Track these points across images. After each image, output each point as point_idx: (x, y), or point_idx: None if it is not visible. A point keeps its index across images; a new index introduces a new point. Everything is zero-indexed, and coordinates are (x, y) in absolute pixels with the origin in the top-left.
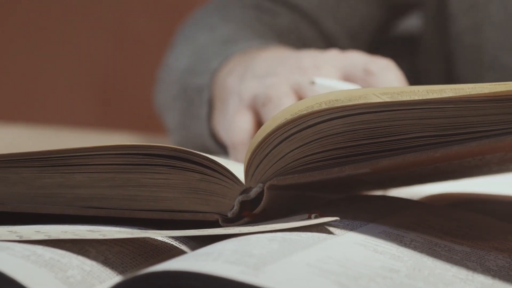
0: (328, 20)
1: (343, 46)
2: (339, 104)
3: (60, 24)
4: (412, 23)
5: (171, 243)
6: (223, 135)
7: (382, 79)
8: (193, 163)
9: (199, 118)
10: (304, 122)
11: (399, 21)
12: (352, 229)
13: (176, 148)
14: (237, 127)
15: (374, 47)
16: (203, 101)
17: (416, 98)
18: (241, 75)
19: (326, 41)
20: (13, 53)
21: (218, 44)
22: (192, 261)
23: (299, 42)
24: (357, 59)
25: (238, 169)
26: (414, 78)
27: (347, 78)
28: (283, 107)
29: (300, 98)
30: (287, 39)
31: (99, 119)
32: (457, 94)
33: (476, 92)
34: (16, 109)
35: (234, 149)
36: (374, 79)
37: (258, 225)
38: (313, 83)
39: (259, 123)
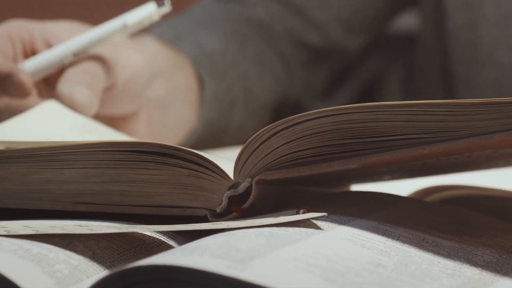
0: (317, 10)
1: (335, 35)
2: None
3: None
4: (408, 22)
5: (160, 238)
6: None
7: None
8: (181, 159)
9: None
10: (292, 119)
11: (397, 17)
12: (340, 224)
13: (165, 145)
14: None
15: (372, 46)
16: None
17: None
18: None
19: (317, 31)
20: None
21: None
22: (178, 256)
23: (284, 33)
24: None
25: (226, 165)
26: (411, 76)
27: None
28: None
29: None
30: (265, 31)
31: None
32: None
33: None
34: None
35: None
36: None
37: (246, 220)
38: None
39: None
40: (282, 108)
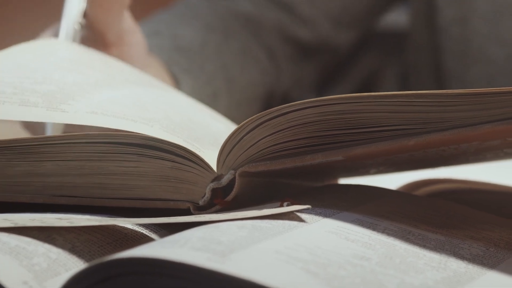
0: (304, 5)
1: (324, 31)
2: None
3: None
4: (399, 19)
5: (142, 231)
6: None
7: None
8: (164, 151)
9: None
10: (277, 109)
11: (386, 13)
12: (324, 217)
13: (147, 137)
14: None
15: (365, 44)
16: None
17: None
18: None
19: (305, 27)
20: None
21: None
22: (158, 248)
23: (271, 27)
24: None
25: (210, 156)
26: (403, 73)
27: None
28: None
29: None
30: (247, 24)
31: None
32: None
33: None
34: None
35: None
36: None
37: (229, 212)
38: None
39: None
40: (271, 101)
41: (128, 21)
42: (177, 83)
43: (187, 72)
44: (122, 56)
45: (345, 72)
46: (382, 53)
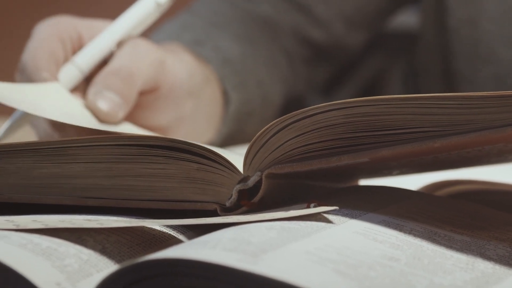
0: (320, 6)
1: (338, 32)
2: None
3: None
4: (409, 20)
5: (169, 232)
6: None
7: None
8: (190, 153)
9: None
10: (302, 112)
11: (397, 14)
12: (351, 218)
13: (174, 139)
14: None
15: (373, 44)
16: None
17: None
18: None
19: (320, 28)
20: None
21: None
22: (190, 249)
23: (288, 29)
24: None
25: (236, 158)
26: (412, 74)
27: None
28: None
29: None
30: (265, 26)
31: None
32: None
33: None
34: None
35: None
36: None
37: (256, 214)
38: None
39: None
40: (286, 106)
41: (160, 68)
42: (226, 101)
43: (236, 89)
44: (159, 99)
45: (351, 73)
46: (388, 53)
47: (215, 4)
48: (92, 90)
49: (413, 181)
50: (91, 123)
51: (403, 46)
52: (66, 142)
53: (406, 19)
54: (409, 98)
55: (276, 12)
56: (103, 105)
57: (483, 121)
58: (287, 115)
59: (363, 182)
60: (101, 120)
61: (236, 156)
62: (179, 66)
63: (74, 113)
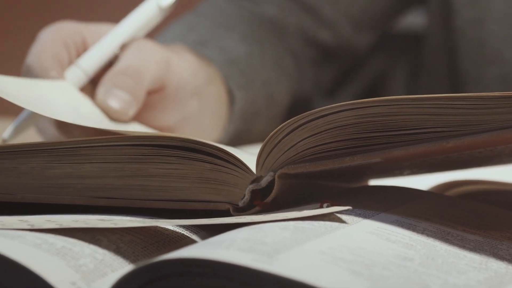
0: (327, 7)
1: (345, 33)
2: None
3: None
4: (415, 20)
5: (182, 232)
6: None
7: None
8: (203, 153)
9: None
10: (315, 112)
11: (402, 17)
12: (364, 218)
13: (187, 139)
14: None
15: (377, 44)
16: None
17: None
18: None
19: (327, 29)
20: (20, 51)
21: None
22: (204, 249)
23: (295, 30)
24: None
25: (248, 158)
26: (417, 74)
27: None
28: None
29: None
30: (270, 27)
31: None
32: None
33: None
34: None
35: None
36: None
37: (269, 214)
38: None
39: None
40: (293, 107)
41: (165, 68)
42: (232, 100)
43: (241, 89)
44: (165, 99)
45: (353, 74)
46: (391, 54)
47: (221, 5)
48: (101, 89)
49: (423, 181)
50: (102, 123)
51: (406, 47)
52: (78, 142)
53: (410, 20)
54: (421, 98)
55: (282, 13)
56: (114, 103)
57: (494, 121)
58: (299, 115)
59: (374, 182)
60: (112, 118)
61: (248, 156)
62: (183, 65)
63: (84, 112)
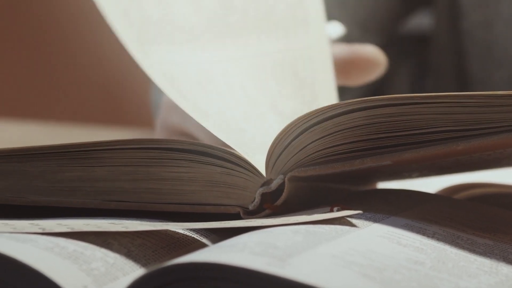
0: (335, 10)
1: (354, 37)
2: None
3: (68, 21)
4: (422, 22)
5: (193, 236)
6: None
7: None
8: (213, 156)
9: None
10: (324, 113)
11: (410, 18)
12: (374, 221)
13: (197, 143)
14: None
15: (385, 45)
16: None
17: None
18: None
19: None
20: (21, 51)
21: None
22: (217, 253)
23: None
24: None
25: (259, 161)
26: (422, 75)
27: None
28: None
29: None
30: None
31: (106, 115)
32: None
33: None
34: (23, 106)
35: None
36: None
37: (280, 217)
38: None
39: None
40: None
41: None
42: None
43: None
44: None
45: None
46: (397, 55)
47: None
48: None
49: (432, 184)
50: None
51: (412, 49)
52: (90, 145)
53: (417, 21)
54: (431, 96)
55: None
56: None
57: (505, 120)
58: (309, 115)
59: (382, 184)
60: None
61: (258, 158)
62: None
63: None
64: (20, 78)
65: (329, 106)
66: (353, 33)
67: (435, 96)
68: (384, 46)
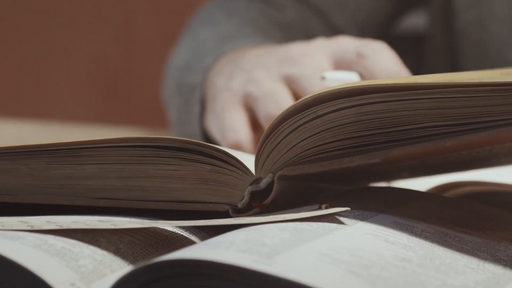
0: (337, 13)
1: None
2: None
3: (66, 21)
4: (416, 20)
5: (181, 233)
6: (216, 135)
7: (376, 61)
8: (203, 154)
9: (193, 116)
10: (313, 112)
11: (404, 17)
12: (362, 219)
13: (187, 140)
14: (230, 127)
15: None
16: (195, 100)
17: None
18: (230, 73)
19: (334, 34)
20: (19, 50)
21: (215, 41)
22: (204, 250)
23: (306, 35)
24: (347, 43)
25: (248, 160)
26: (419, 74)
27: (339, 64)
28: (278, 100)
29: (292, 90)
30: (293, 33)
31: (104, 114)
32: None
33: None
34: (21, 105)
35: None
36: (368, 62)
37: (268, 215)
38: (324, 78)
39: (253, 120)
40: None
41: None
42: None
43: None
44: None
45: None
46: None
47: (251, 14)
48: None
49: (422, 183)
50: None
51: (408, 48)
52: (79, 143)
53: (412, 20)
54: (420, 93)
55: (300, 19)
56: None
57: (492, 114)
58: (299, 114)
59: (373, 185)
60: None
61: (248, 157)
62: None
63: None
64: (17, 77)
65: (319, 106)
66: (352, 35)
67: (422, 90)
68: None
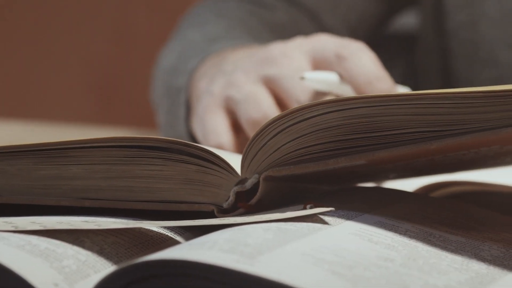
0: (328, 15)
1: None
2: None
3: (60, 21)
4: (408, 21)
5: (166, 234)
6: (199, 137)
7: (355, 63)
8: (188, 155)
9: (179, 118)
10: (300, 115)
11: (396, 18)
12: (347, 219)
13: (172, 140)
14: (211, 131)
15: (371, 45)
16: (181, 102)
17: None
18: (212, 76)
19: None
20: (14, 51)
21: (202, 42)
22: (187, 250)
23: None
24: (327, 43)
25: (234, 160)
26: (411, 75)
27: (318, 62)
28: (259, 102)
29: (273, 90)
30: (284, 34)
31: (98, 115)
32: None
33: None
34: (15, 105)
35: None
36: (347, 63)
37: (253, 215)
38: (303, 78)
39: (234, 123)
40: None
41: None
42: None
43: None
44: None
45: None
46: (385, 55)
47: (242, 15)
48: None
49: (409, 183)
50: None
51: (400, 48)
52: (65, 143)
53: (404, 21)
54: (405, 98)
55: (291, 20)
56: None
57: (478, 121)
58: (284, 117)
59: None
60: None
61: (233, 157)
62: None
63: None
64: (12, 79)
65: (306, 108)
66: (343, 36)
67: (408, 97)
68: (373, 48)
